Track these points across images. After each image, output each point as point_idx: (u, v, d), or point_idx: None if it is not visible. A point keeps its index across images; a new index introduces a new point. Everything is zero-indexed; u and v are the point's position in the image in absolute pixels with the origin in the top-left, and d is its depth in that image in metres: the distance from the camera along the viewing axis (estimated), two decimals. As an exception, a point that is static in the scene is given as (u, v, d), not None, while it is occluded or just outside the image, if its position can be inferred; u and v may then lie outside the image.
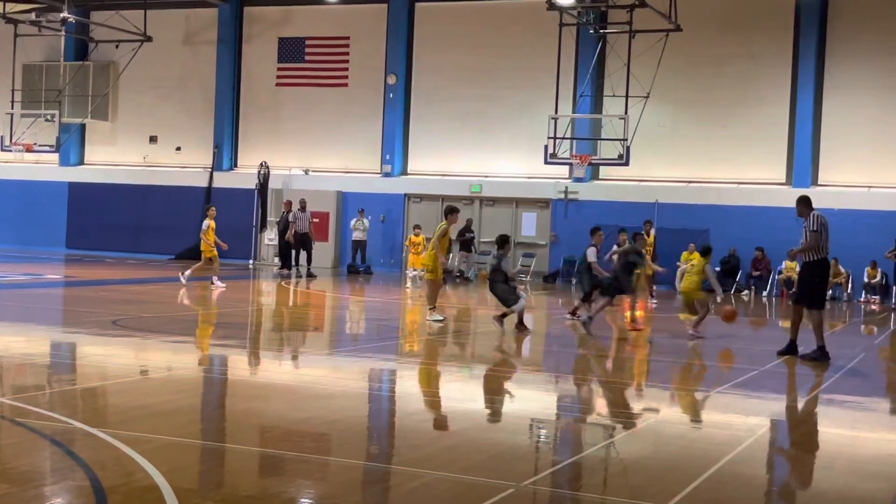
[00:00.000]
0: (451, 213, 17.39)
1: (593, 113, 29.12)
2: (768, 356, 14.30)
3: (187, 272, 22.22)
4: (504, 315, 15.83)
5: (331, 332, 16.91)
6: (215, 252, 22.43)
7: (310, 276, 27.83)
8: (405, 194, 31.79)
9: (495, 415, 9.61)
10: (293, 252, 28.59)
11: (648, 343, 15.68)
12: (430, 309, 17.01)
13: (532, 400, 10.64)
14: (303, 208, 28.64)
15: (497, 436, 8.41)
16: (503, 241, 16.58)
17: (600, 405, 10.53)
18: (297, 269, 28.41)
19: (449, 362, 13.21)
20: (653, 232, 25.19)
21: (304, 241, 28.55)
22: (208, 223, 22.57)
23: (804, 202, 14.10)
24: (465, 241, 29.15)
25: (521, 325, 15.85)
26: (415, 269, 26.99)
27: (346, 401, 9.95)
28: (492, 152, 31.19)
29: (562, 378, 12.35)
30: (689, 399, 11.05)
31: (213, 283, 22.18)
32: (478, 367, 12.91)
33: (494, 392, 11.10)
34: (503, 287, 16.03)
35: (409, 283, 25.53)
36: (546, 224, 30.18)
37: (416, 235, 28.34)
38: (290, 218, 28.51)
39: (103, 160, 35.92)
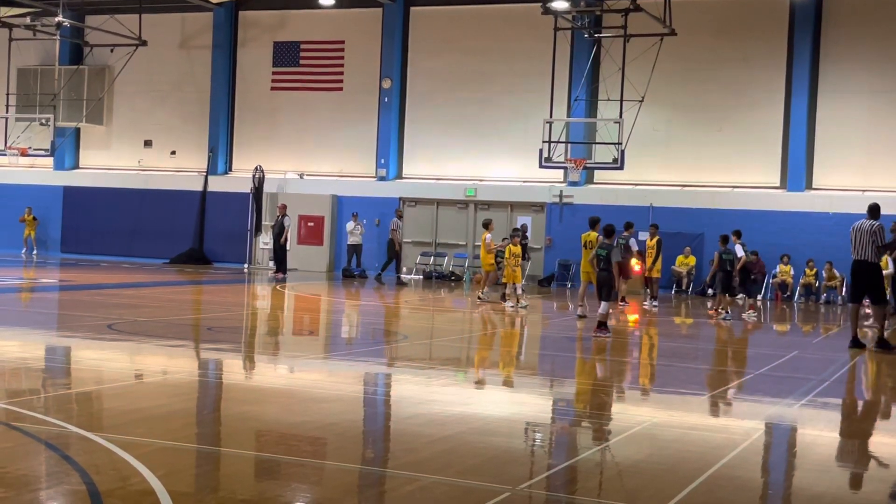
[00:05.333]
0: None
1: (588, 117, 29.14)
2: (763, 359, 14.32)
3: (484, 291, 22.20)
4: (604, 323, 15.83)
5: (326, 336, 16.90)
6: (494, 267, 22.25)
7: (400, 282, 28.48)
8: (400, 198, 31.79)
9: (491, 418, 9.61)
10: (393, 260, 29.07)
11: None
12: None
13: (528, 403, 10.64)
14: (401, 217, 29.25)
15: (493, 439, 8.41)
16: (610, 231, 16.53)
17: (595, 408, 10.52)
18: (399, 277, 28.99)
19: (445, 366, 13.20)
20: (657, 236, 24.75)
21: (400, 249, 29.18)
22: (489, 236, 22.20)
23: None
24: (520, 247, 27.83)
25: (603, 327, 15.86)
26: (516, 285, 21.34)
27: (341, 404, 9.96)
28: (487, 156, 31.21)
29: (556, 381, 12.35)
30: (684, 402, 11.05)
31: (480, 298, 21.77)
32: (474, 371, 12.91)
33: (491, 395, 11.10)
34: (606, 277, 16.02)
35: (514, 303, 21.12)
36: (541, 228, 30.18)
37: (516, 245, 21.77)
38: (392, 226, 28.99)
39: (98, 164, 35.89)
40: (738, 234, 22.18)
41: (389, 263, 29.04)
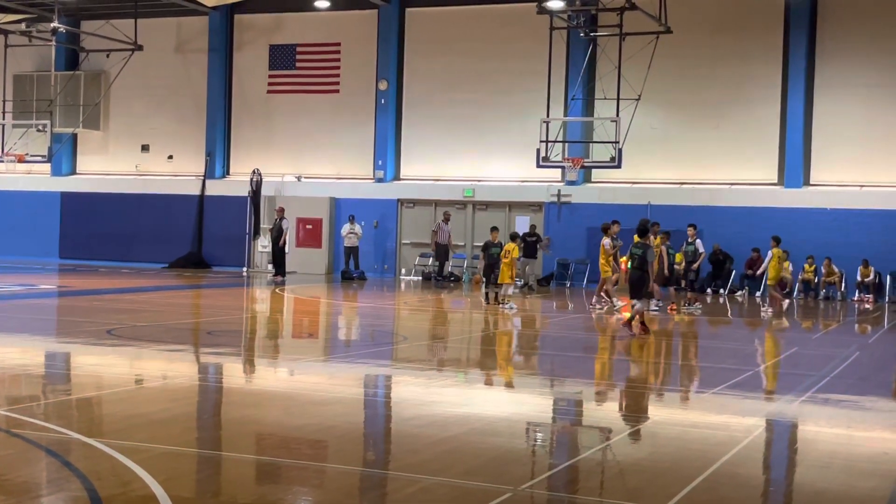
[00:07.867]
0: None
1: (585, 116, 29.14)
2: (763, 356, 14.32)
3: (602, 297, 21.12)
4: (630, 320, 15.81)
5: (326, 339, 16.89)
6: (610, 272, 20.97)
7: (449, 281, 28.99)
8: (398, 199, 31.78)
9: (492, 419, 9.60)
10: (438, 261, 29.46)
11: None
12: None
13: (528, 403, 10.63)
14: (446, 220, 29.46)
15: (494, 440, 8.41)
16: (645, 230, 16.41)
17: (596, 407, 10.53)
18: (445, 280, 29.38)
19: (444, 367, 13.20)
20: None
21: (445, 252, 29.45)
22: (609, 241, 20.85)
23: None
24: (529, 245, 26.62)
25: (642, 325, 15.81)
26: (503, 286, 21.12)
27: (342, 407, 9.95)
28: (484, 156, 31.20)
29: (556, 381, 12.35)
30: (685, 400, 11.05)
31: (593, 304, 21.19)
32: (474, 372, 12.91)
33: (492, 396, 11.10)
34: (640, 277, 15.98)
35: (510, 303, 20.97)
36: (539, 227, 30.15)
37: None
38: (434, 228, 29.33)
39: (95, 169, 35.86)
40: (693, 227, 22.22)
41: (442, 265, 29.59)
